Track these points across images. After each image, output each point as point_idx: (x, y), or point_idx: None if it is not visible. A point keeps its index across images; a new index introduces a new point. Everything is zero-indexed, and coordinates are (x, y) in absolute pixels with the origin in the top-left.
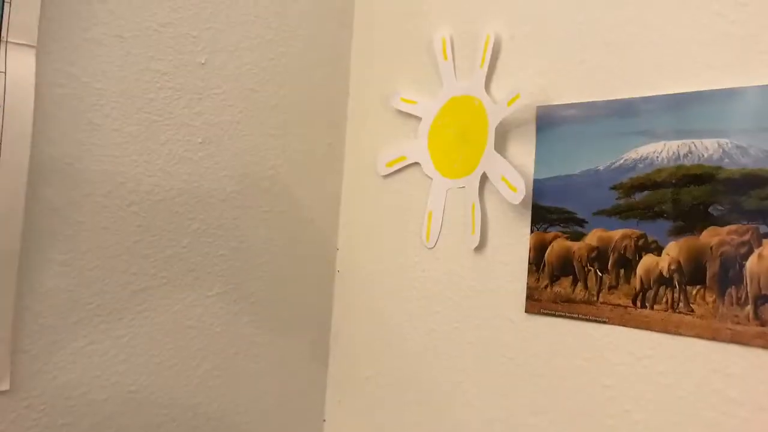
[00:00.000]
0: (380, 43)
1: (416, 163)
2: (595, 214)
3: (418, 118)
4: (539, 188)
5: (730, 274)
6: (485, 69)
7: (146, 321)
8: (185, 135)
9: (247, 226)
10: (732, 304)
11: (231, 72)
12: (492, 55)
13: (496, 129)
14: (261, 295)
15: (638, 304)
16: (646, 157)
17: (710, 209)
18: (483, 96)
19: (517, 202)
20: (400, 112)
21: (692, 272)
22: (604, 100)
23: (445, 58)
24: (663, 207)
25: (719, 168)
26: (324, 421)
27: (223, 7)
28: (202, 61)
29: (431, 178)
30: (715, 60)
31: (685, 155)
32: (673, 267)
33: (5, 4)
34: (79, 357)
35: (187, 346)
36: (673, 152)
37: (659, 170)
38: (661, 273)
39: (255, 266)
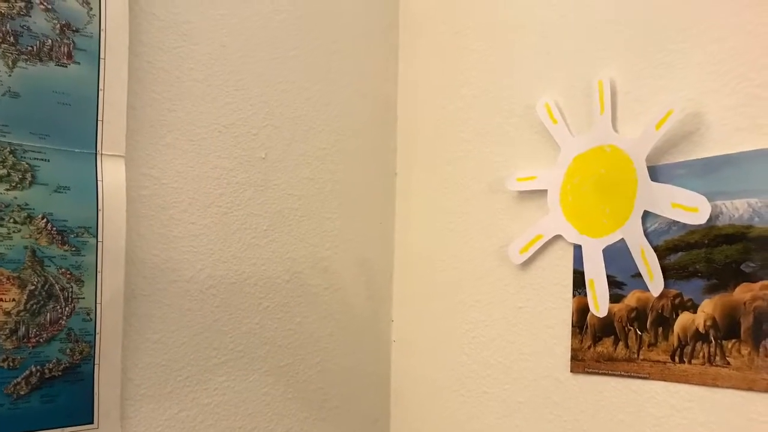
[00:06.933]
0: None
1: None
2: (632, 276)
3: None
4: (578, 255)
5: (763, 327)
6: (607, 113)
7: (228, 390)
8: (252, 224)
9: (308, 303)
10: (767, 356)
11: (288, 163)
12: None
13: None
14: (326, 365)
15: (677, 359)
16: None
17: (742, 266)
18: (614, 139)
19: (701, 222)
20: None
21: (727, 327)
22: None
23: (554, 121)
24: (697, 266)
25: (750, 227)
26: None
27: (276, 105)
28: (263, 156)
29: (580, 246)
30: (743, 123)
31: (717, 216)
32: (708, 323)
33: (98, 122)
34: (174, 422)
35: (262, 411)
36: None
37: (692, 232)
38: (697, 329)
39: (318, 339)
